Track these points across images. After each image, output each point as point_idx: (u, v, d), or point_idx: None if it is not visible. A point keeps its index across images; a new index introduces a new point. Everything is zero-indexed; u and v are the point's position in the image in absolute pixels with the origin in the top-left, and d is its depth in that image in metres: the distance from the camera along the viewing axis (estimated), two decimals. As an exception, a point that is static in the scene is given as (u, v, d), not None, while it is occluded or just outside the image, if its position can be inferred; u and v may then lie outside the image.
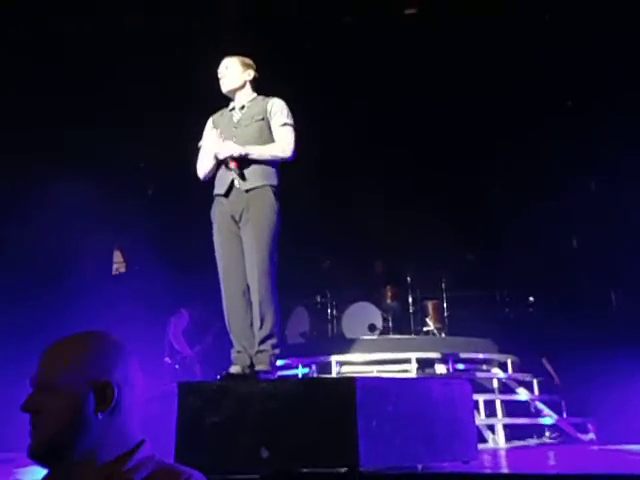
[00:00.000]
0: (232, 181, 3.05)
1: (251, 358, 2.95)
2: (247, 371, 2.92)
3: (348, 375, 4.74)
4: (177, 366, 6.08)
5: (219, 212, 3.11)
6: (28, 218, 5.90)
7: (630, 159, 5.55)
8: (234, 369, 2.92)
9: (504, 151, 6.87)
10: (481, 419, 4.58)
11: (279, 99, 3.21)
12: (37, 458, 1.12)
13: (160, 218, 7.20)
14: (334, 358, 4.97)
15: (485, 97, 6.63)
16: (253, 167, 3.05)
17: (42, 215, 5.93)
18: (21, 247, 6.02)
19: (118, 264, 7.98)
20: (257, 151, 3.02)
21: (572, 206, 6.51)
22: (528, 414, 5.02)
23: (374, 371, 5.01)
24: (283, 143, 3.08)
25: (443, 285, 6.66)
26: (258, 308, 2.92)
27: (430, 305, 6.56)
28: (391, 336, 6.04)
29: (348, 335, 6.17)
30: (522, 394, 5.12)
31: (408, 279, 6.75)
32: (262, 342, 2.92)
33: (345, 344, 5.41)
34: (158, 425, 2.65)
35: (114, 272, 7.92)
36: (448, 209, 6.75)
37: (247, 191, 3.01)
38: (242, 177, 3.03)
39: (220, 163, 3.10)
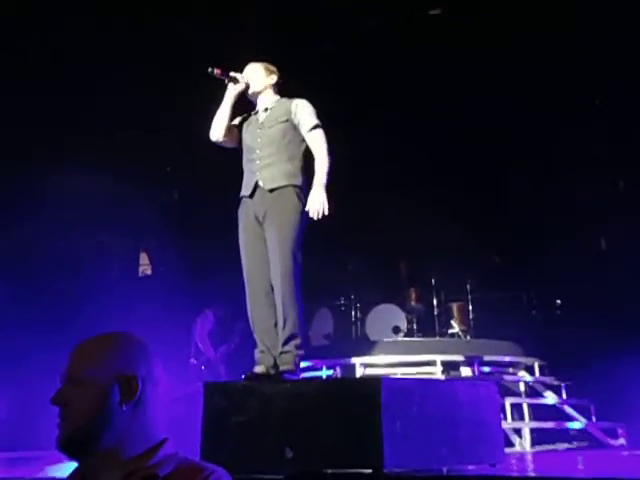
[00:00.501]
0: (256, 182, 3.08)
1: (275, 358, 2.96)
2: (271, 371, 2.93)
3: (373, 376, 4.72)
4: (203, 367, 6.13)
5: (244, 213, 3.15)
6: (54, 219, 6.01)
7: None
8: (258, 369, 2.93)
9: (531, 151, 6.79)
10: (508, 423, 4.52)
11: (302, 100, 3.22)
12: (65, 450, 1.15)
13: (186, 220, 7.28)
14: (358, 360, 4.96)
15: (512, 97, 6.55)
16: (276, 167, 3.07)
17: (69, 217, 6.04)
18: (47, 248, 6.14)
19: (144, 266, 8.10)
20: (323, 176, 3.01)
21: (600, 206, 6.41)
22: (556, 418, 4.94)
23: (398, 374, 4.99)
24: (322, 149, 3.08)
25: (468, 287, 6.60)
26: (281, 309, 2.92)
27: (455, 307, 6.51)
28: (415, 338, 6.01)
29: (372, 337, 6.15)
30: (550, 398, 5.04)
31: (433, 281, 6.70)
32: (285, 343, 2.93)
33: (369, 346, 5.39)
34: (184, 425, 2.68)
35: (140, 274, 8.04)
36: (473, 210, 6.69)
37: (271, 191, 3.04)
38: (234, 80, 3.17)
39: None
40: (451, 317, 6.45)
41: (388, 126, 6.81)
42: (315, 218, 2.93)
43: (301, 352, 2.95)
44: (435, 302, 6.63)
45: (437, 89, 6.60)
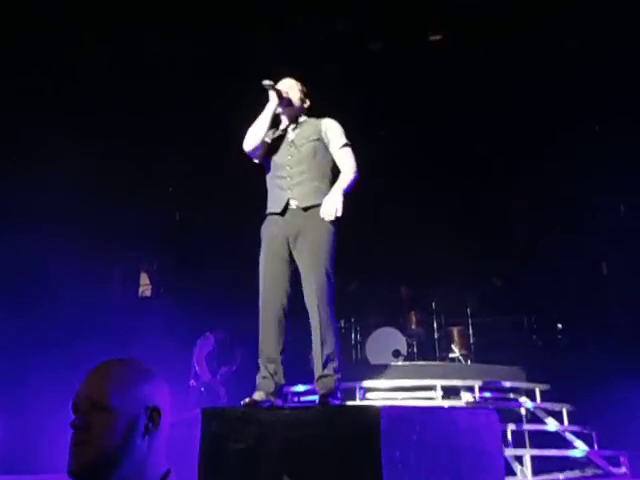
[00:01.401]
0: (287, 200, 3.03)
1: (276, 385, 2.92)
2: (271, 398, 2.89)
3: (372, 403, 4.67)
4: (203, 389, 6.09)
5: (270, 232, 3.04)
6: (53, 240, 6.01)
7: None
8: (257, 395, 2.89)
9: (531, 176, 6.82)
10: (509, 450, 4.46)
11: (331, 119, 3.25)
12: (79, 476, 1.13)
13: (187, 242, 7.28)
14: (358, 384, 4.91)
15: (513, 122, 6.61)
16: (308, 186, 3.05)
17: (68, 236, 6.04)
18: (45, 269, 6.13)
19: (144, 287, 8.08)
20: (345, 183, 3.03)
21: (602, 231, 6.40)
22: (558, 445, 4.87)
23: (398, 398, 4.94)
24: (350, 165, 3.11)
25: (469, 311, 6.58)
26: (319, 329, 2.85)
27: (456, 331, 6.48)
28: (416, 362, 5.97)
29: (372, 361, 6.11)
30: (551, 424, 4.98)
31: (433, 304, 6.68)
32: (325, 366, 2.87)
33: (369, 370, 5.35)
34: (182, 451, 2.65)
35: (140, 294, 8.02)
36: (475, 233, 6.70)
37: (305, 210, 3.00)
38: (280, 94, 3.12)
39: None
40: (452, 341, 6.41)
41: (391, 149, 6.85)
42: (327, 219, 2.88)
43: (340, 375, 2.90)
44: (435, 326, 6.60)
45: (437, 114, 6.66)
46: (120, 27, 6.00)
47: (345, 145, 3.15)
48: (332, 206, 2.87)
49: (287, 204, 3.03)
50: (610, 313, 6.44)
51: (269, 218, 3.08)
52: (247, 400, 2.84)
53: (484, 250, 6.75)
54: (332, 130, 3.18)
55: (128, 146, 6.52)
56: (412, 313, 6.70)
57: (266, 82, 3.10)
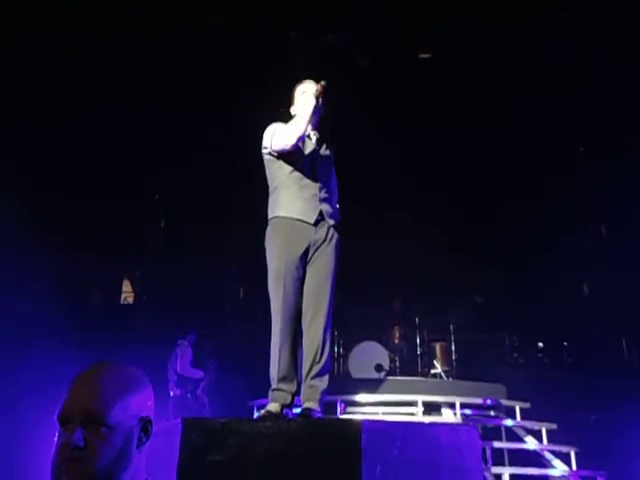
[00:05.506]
0: (320, 211, 2.97)
1: (292, 396, 2.89)
2: (285, 410, 2.87)
3: (354, 417, 4.66)
4: (189, 395, 6.05)
5: (297, 236, 2.93)
6: (30, 246, 5.95)
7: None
8: (272, 407, 2.85)
9: (516, 196, 6.89)
10: (487, 468, 4.46)
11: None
12: None
13: (171, 250, 7.24)
14: (339, 398, 4.90)
15: (500, 141, 6.69)
16: (332, 203, 3.07)
17: (47, 243, 5.98)
18: (25, 275, 6.05)
19: (127, 293, 8.01)
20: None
21: (584, 252, 6.48)
22: (537, 463, 4.88)
23: (379, 413, 4.93)
24: None
25: (452, 327, 6.60)
26: (321, 343, 2.89)
27: (438, 347, 6.50)
28: (398, 377, 5.97)
29: (354, 375, 6.10)
30: (530, 443, 4.99)
31: (417, 320, 6.70)
32: (315, 377, 2.87)
33: (351, 384, 5.33)
34: (159, 461, 2.61)
35: (122, 301, 7.95)
36: (459, 251, 6.74)
37: (334, 227, 3.02)
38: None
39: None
40: (434, 357, 6.42)
41: (377, 168, 6.90)
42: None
43: (326, 388, 2.90)
44: (418, 341, 6.62)
45: (424, 129, 6.72)
46: (108, 38, 6.00)
47: None
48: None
49: (320, 215, 2.97)
50: (590, 333, 6.50)
51: (292, 223, 2.95)
52: (263, 412, 2.83)
53: (468, 268, 6.79)
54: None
55: (112, 152, 6.48)
56: (395, 328, 6.72)
57: (323, 83, 3.01)
